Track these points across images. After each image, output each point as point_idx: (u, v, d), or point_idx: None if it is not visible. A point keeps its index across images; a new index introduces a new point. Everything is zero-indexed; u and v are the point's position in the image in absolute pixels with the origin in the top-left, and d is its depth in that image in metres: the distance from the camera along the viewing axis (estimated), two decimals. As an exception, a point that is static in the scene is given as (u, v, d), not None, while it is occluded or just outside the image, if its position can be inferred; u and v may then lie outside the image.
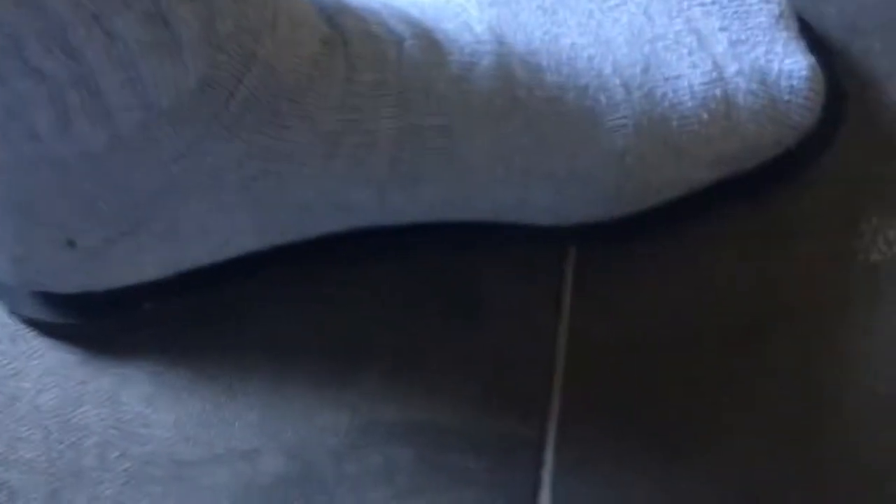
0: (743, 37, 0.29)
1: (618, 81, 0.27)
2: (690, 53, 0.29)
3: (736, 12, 0.30)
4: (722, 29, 0.29)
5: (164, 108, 0.23)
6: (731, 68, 0.29)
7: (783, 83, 0.29)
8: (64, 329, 0.30)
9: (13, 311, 0.30)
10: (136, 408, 0.29)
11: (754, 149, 0.29)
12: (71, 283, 0.28)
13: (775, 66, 0.29)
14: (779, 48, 0.29)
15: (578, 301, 0.30)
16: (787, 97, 0.29)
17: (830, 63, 0.31)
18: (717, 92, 0.28)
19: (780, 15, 0.30)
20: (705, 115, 0.28)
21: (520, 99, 0.26)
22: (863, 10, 0.33)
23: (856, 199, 0.31)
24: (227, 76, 0.23)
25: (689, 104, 0.28)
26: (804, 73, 0.29)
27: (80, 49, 0.22)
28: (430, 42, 0.26)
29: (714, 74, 0.28)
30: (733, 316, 0.30)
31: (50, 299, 0.29)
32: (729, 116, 0.28)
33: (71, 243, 0.26)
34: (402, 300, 0.30)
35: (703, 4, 0.30)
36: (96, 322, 0.29)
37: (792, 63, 0.29)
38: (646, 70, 0.28)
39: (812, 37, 0.31)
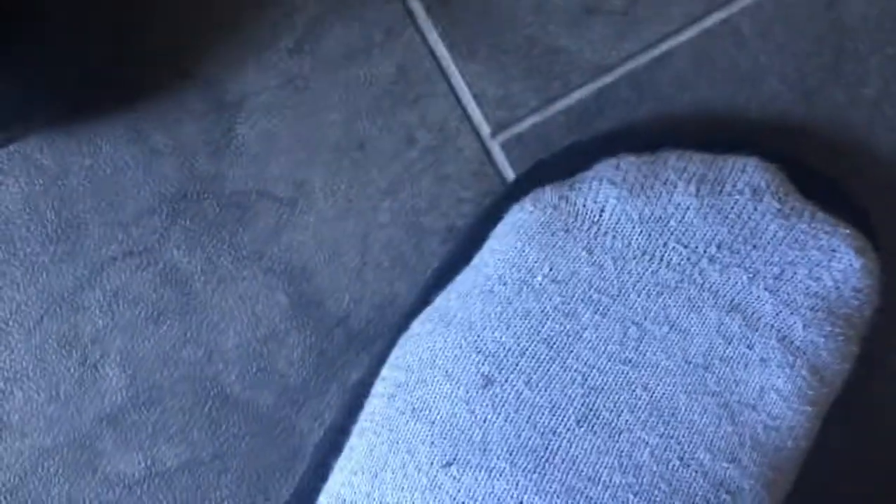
0: (776, 269, 0.24)
1: (724, 466, 0.22)
2: (750, 346, 0.24)
3: (741, 237, 0.24)
4: (751, 277, 0.24)
5: None
6: (797, 327, 0.24)
7: (846, 293, 0.24)
8: None
9: None
10: None
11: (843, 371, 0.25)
12: None
13: (827, 280, 0.24)
14: (813, 252, 0.24)
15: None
16: (854, 301, 0.24)
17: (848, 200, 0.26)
18: (804, 372, 0.24)
19: (775, 192, 0.24)
20: (808, 407, 0.24)
21: None
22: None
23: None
24: None
25: (789, 412, 0.24)
26: (858, 263, 0.24)
27: None
28: None
29: (789, 356, 0.24)
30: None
31: None
32: (823, 381, 0.24)
33: None
34: None
35: (712, 259, 0.24)
36: None
37: (838, 262, 0.24)
38: (730, 418, 0.23)
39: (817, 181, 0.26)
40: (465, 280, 0.25)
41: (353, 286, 0.28)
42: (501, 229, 0.25)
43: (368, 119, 0.28)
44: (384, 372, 0.25)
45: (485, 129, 0.28)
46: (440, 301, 0.25)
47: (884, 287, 0.25)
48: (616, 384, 0.23)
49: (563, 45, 0.28)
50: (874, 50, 0.28)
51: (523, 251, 0.25)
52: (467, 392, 0.23)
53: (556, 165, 0.27)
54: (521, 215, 0.25)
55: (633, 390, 0.23)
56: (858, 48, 0.28)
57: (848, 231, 0.25)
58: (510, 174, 0.28)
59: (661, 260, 0.24)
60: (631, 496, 0.22)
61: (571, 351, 0.24)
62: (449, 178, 0.28)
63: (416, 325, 0.25)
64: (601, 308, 0.24)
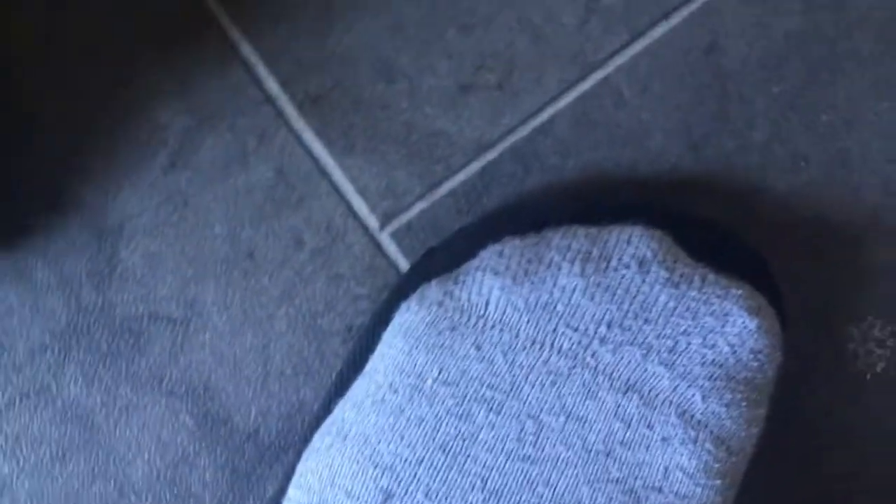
0: (669, 342, 0.24)
1: None
2: (650, 426, 0.23)
3: (630, 312, 0.24)
4: (645, 354, 0.24)
5: None
6: (696, 399, 0.23)
7: (744, 356, 0.23)
8: None
9: None
10: None
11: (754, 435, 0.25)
12: None
13: (722, 346, 0.23)
14: (706, 318, 0.24)
15: None
16: (754, 363, 0.24)
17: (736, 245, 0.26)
18: (708, 445, 0.23)
19: (662, 261, 0.24)
20: (717, 480, 0.23)
21: None
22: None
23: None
24: None
25: (697, 488, 0.23)
26: (752, 324, 0.23)
27: None
28: None
29: (691, 431, 0.23)
30: None
31: None
32: (731, 450, 0.24)
33: None
34: None
35: (604, 340, 0.24)
36: None
37: (732, 325, 0.23)
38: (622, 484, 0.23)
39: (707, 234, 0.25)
40: (358, 389, 0.25)
41: (258, 399, 0.27)
42: (390, 332, 0.25)
43: (253, 227, 0.28)
44: (290, 492, 0.25)
45: (372, 222, 0.28)
46: (337, 412, 0.25)
47: (788, 337, 0.25)
48: (517, 484, 0.23)
49: (441, 127, 0.28)
50: (759, 91, 0.28)
51: (411, 354, 0.24)
52: None
53: (446, 252, 0.26)
54: (407, 316, 0.24)
55: (535, 488, 0.23)
56: (742, 92, 0.28)
57: (741, 292, 0.24)
58: (404, 264, 0.27)
59: (552, 347, 0.24)
60: None
61: (468, 454, 0.23)
62: (342, 276, 0.27)
63: (317, 439, 0.25)
64: (495, 405, 0.23)
